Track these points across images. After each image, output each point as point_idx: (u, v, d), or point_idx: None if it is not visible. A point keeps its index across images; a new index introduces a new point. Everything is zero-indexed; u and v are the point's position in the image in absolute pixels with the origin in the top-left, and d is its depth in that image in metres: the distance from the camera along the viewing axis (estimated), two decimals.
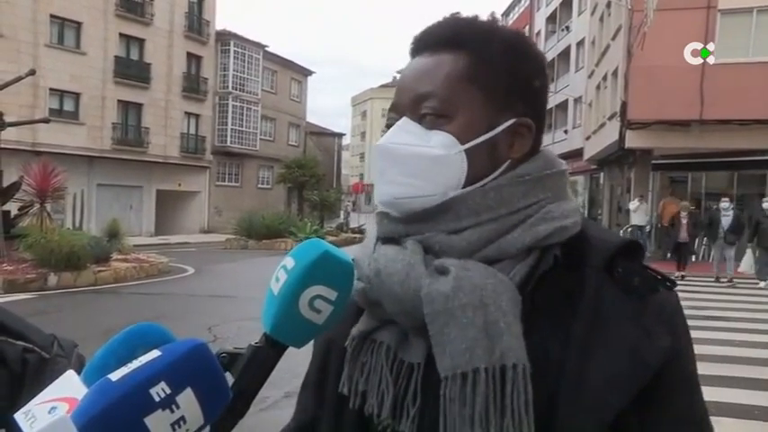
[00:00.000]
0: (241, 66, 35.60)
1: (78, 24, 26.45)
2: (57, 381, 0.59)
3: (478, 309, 0.71)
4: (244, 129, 35.77)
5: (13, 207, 14.68)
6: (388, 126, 0.83)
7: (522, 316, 0.73)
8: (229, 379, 0.62)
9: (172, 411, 0.55)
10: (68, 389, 0.58)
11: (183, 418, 0.55)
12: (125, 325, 0.64)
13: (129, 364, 0.56)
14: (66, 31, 26.21)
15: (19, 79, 14.78)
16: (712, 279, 13.77)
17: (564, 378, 0.71)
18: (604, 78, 23.77)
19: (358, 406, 0.79)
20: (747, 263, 13.81)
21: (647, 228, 18.27)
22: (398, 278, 0.75)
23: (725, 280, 13.45)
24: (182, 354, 0.57)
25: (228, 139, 34.94)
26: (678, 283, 0.94)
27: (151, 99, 29.66)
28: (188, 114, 32.25)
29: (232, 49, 35.01)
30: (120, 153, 28.01)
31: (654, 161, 19.73)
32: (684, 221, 14.17)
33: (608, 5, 23.26)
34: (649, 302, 0.75)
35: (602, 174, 28.66)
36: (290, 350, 0.67)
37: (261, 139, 37.24)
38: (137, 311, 9.93)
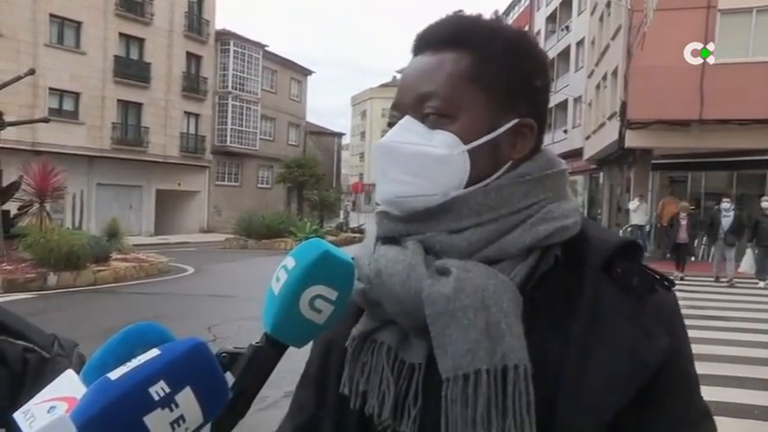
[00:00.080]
0: (241, 65, 35.61)
1: (78, 24, 26.46)
2: (56, 380, 0.59)
3: (480, 310, 0.71)
4: (243, 128, 35.78)
5: (12, 206, 14.69)
6: (390, 125, 0.83)
7: (522, 316, 0.73)
8: (230, 379, 0.61)
9: (171, 410, 0.55)
10: (67, 388, 0.58)
11: (182, 416, 0.55)
12: (124, 324, 0.64)
13: (129, 364, 0.56)
14: (65, 30, 26.21)
15: (18, 79, 14.78)
16: (712, 279, 13.77)
17: (563, 378, 0.71)
18: (604, 78, 23.78)
19: (359, 406, 0.79)
20: (748, 262, 13.81)
21: (647, 227, 18.28)
22: (399, 279, 0.75)
23: (725, 280, 13.45)
24: (181, 353, 0.57)
25: (228, 138, 34.95)
26: (677, 283, 0.94)
27: (151, 99, 29.66)
28: (188, 114, 32.26)
29: (232, 48, 35.02)
30: (120, 153, 28.01)
31: (653, 161, 19.74)
32: (684, 222, 14.17)
33: (608, 5, 23.27)
34: (648, 302, 0.75)
35: (601, 173, 28.67)
36: (290, 350, 0.67)
37: (260, 138, 37.25)
38: (136, 311, 9.93)
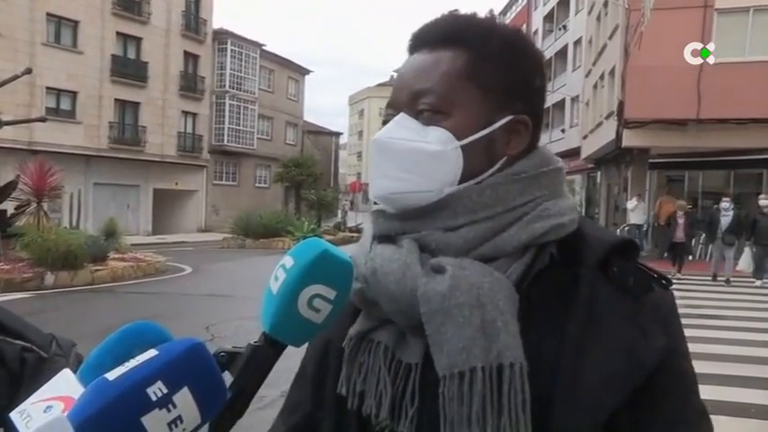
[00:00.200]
0: (238, 64, 35.57)
1: (75, 23, 26.40)
2: (52, 379, 0.59)
3: (475, 308, 0.71)
4: (241, 128, 35.73)
5: (9, 206, 14.65)
6: (386, 122, 0.83)
7: (518, 314, 0.73)
8: (228, 378, 0.61)
9: (168, 411, 0.55)
10: (64, 388, 0.58)
11: (179, 417, 0.55)
12: (122, 324, 0.64)
13: (126, 364, 0.56)
14: (62, 29, 26.14)
15: (15, 78, 14.72)
16: (709, 278, 13.78)
17: (559, 377, 0.71)
18: (601, 77, 23.80)
19: (356, 406, 0.79)
20: (746, 261, 13.82)
21: (645, 227, 18.30)
22: (395, 278, 0.75)
23: (722, 279, 13.47)
24: (179, 353, 0.57)
25: (225, 137, 34.91)
26: (674, 282, 0.94)
27: (148, 98, 29.60)
28: (185, 113, 32.20)
29: (229, 47, 34.98)
30: (117, 152, 27.96)
31: (651, 160, 19.77)
32: (681, 221, 14.18)
33: (605, 5, 23.30)
34: (644, 302, 0.75)
35: (599, 173, 28.71)
36: (288, 349, 0.67)
37: (258, 138, 37.21)
38: (134, 311, 9.91)
